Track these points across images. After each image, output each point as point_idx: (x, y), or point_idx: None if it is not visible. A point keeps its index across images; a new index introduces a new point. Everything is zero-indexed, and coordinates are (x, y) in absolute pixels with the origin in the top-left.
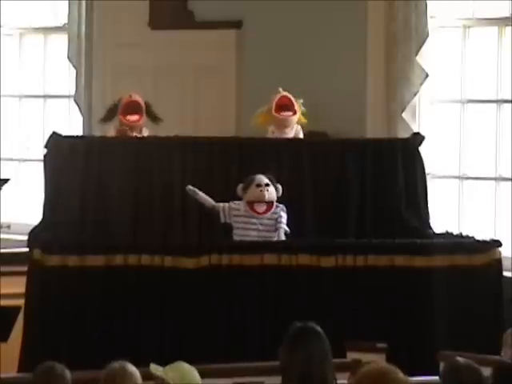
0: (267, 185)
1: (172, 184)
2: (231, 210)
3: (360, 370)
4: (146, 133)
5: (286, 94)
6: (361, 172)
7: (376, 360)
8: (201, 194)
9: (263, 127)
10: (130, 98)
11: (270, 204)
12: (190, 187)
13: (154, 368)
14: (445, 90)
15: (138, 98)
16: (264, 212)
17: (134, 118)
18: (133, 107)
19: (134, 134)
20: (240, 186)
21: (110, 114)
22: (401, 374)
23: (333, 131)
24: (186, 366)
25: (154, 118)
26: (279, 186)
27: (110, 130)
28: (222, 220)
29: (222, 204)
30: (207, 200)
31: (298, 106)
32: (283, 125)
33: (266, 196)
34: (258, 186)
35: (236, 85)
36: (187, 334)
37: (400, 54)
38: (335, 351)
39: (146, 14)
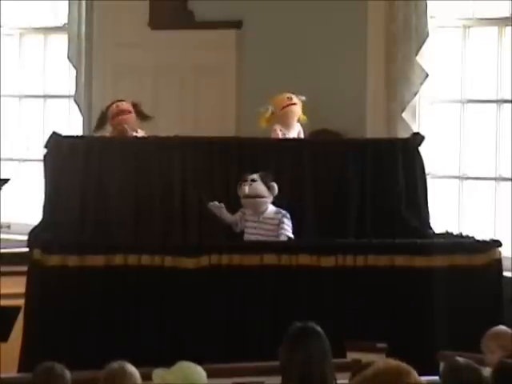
0: (253, 180)
1: (172, 184)
2: (243, 215)
3: (374, 366)
4: (141, 134)
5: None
6: (361, 172)
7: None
8: (224, 210)
9: (268, 128)
10: (117, 108)
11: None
12: (216, 203)
13: (155, 374)
14: (445, 89)
15: (124, 105)
16: None
17: (125, 116)
18: (121, 113)
19: (133, 133)
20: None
21: (101, 122)
22: (417, 376)
23: (333, 132)
24: (189, 365)
25: (143, 116)
26: (273, 185)
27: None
28: (239, 229)
29: (237, 213)
30: (229, 216)
31: (298, 100)
32: (288, 117)
33: (246, 190)
34: (243, 181)
35: (236, 85)
36: (187, 334)
37: (400, 54)
38: (335, 351)
39: (145, 14)
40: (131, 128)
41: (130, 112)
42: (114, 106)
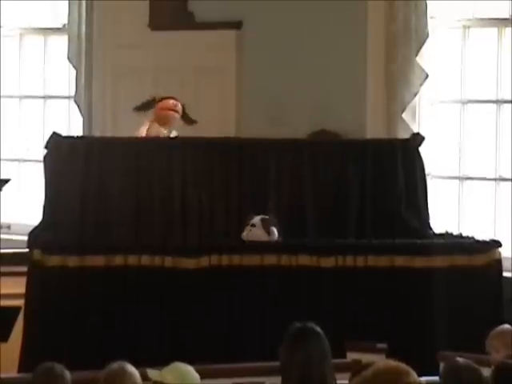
0: (253, 225)
1: (172, 185)
2: None
3: (374, 367)
4: (174, 133)
5: None
6: (361, 173)
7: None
8: None
9: None
10: (173, 105)
11: None
12: None
13: (151, 373)
14: (445, 90)
15: (179, 105)
16: None
17: (176, 114)
18: (174, 110)
19: (165, 131)
20: None
21: (147, 106)
22: (416, 376)
23: (333, 132)
24: (183, 365)
25: (189, 120)
26: (273, 229)
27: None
28: None
29: None
30: None
31: None
32: None
33: (244, 235)
34: (245, 225)
35: (236, 85)
36: (187, 335)
37: (400, 55)
38: (335, 351)
39: (146, 15)
40: (171, 127)
41: (178, 112)
42: (172, 101)
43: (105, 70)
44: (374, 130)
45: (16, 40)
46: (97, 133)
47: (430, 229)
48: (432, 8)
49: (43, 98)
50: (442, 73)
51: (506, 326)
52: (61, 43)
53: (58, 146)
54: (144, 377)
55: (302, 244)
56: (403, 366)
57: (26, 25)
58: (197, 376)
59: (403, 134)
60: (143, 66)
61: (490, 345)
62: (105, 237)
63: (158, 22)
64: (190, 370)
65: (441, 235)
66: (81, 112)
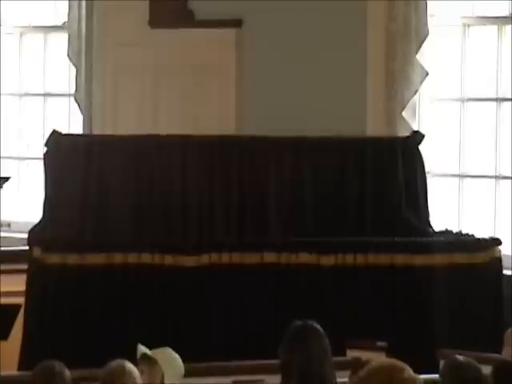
0: None
1: (172, 182)
2: None
3: (369, 366)
4: None
5: None
6: (361, 170)
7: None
8: None
9: None
10: None
11: None
12: None
13: (141, 348)
14: (445, 88)
15: None
16: None
17: None
18: None
19: None
20: None
21: None
22: (411, 372)
23: (333, 130)
24: (174, 353)
25: None
26: None
27: None
28: None
29: None
30: None
31: None
32: None
33: None
34: None
35: (236, 84)
36: (187, 333)
37: (400, 53)
38: (335, 349)
39: (146, 13)
40: None
41: None
42: None
43: (105, 68)
44: (374, 128)
45: (16, 38)
46: (97, 131)
47: (430, 227)
48: (432, 6)
49: (43, 95)
50: (442, 71)
51: None
52: (61, 41)
53: (58, 143)
54: None
55: (301, 242)
56: (398, 362)
57: (26, 23)
58: (182, 367)
59: (403, 132)
60: (143, 64)
61: (507, 338)
62: (105, 235)
63: (158, 20)
64: (179, 359)
65: (441, 233)
66: (81, 110)
